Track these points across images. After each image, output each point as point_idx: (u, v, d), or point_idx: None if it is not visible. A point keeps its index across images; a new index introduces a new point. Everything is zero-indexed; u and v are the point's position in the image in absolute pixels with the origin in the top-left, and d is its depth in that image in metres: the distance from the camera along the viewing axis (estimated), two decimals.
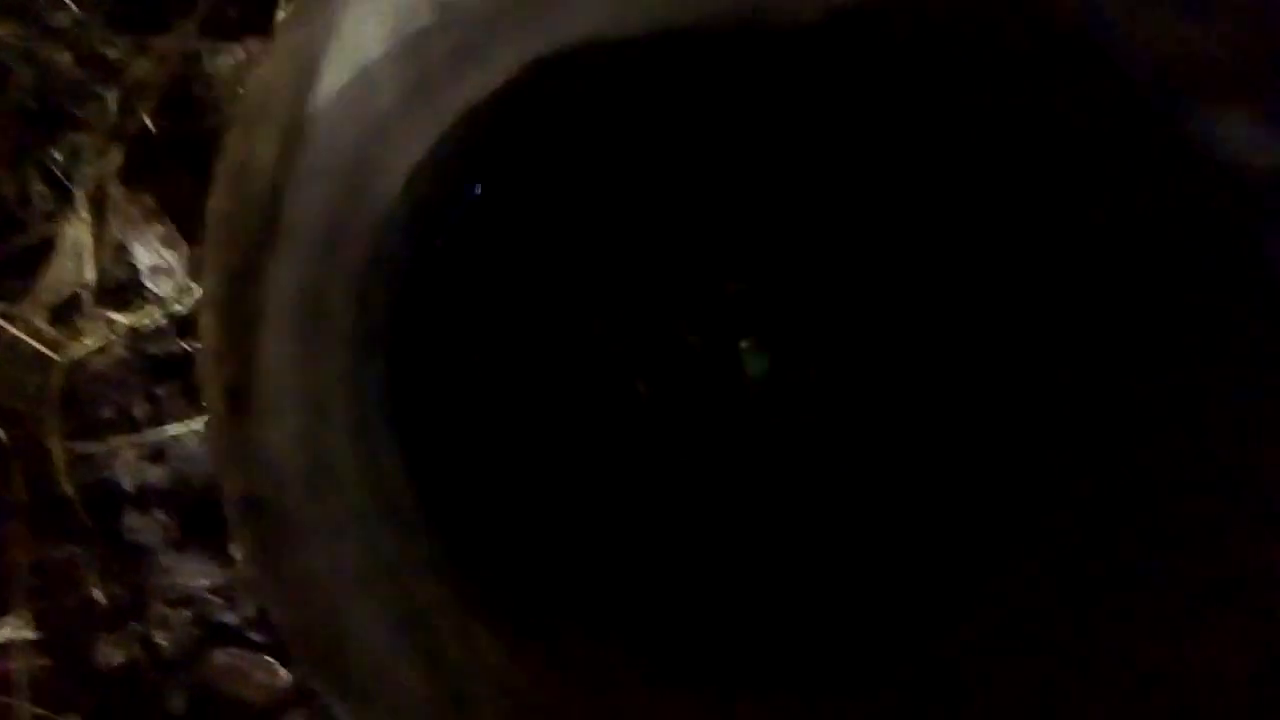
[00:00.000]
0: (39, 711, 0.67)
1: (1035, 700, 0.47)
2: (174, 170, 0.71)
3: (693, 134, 0.70)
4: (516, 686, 0.47)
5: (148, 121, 0.72)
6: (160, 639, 0.67)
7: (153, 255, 0.69)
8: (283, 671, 0.66)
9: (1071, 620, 0.49)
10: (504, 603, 0.56)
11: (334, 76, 0.42)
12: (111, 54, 0.74)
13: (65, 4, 0.75)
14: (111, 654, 0.67)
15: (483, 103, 0.56)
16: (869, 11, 0.53)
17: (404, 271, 0.60)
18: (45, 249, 0.71)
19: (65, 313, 0.71)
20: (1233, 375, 0.45)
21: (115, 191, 0.70)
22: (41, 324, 0.71)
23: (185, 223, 0.70)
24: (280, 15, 0.73)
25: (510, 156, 0.68)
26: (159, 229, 0.68)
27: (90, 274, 0.71)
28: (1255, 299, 0.44)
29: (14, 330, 0.71)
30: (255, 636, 0.67)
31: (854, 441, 0.68)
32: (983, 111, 0.56)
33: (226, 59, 0.73)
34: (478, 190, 0.67)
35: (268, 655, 0.67)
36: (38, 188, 0.74)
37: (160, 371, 0.71)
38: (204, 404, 0.40)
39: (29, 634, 0.66)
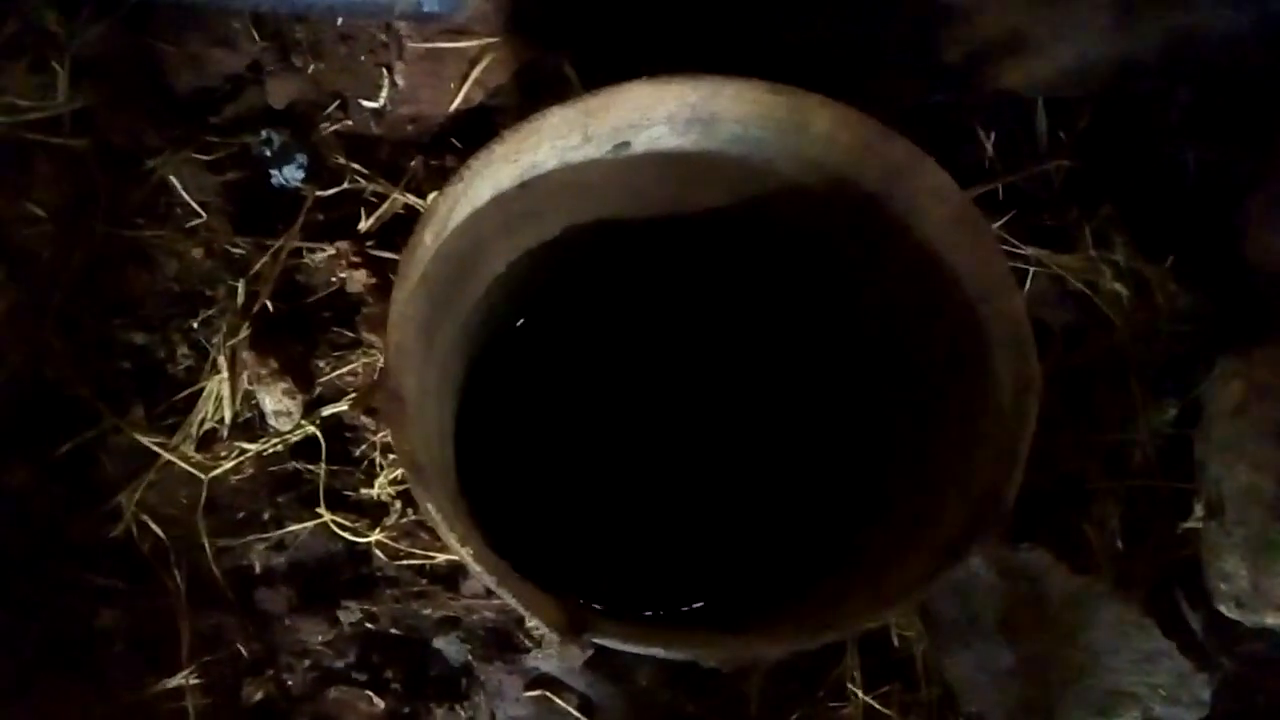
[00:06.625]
0: None
1: None
2: (288, 340, 0.98)
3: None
4: None
5: (268, 303, 0.98)
6: (288, 680, 0.92)
7: (275, 402, 0.95)
8: (379, 701, 0.92)
9: None
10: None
11: (462, 209, 0.76)
12: (236, 252, 1.01)
13: (198, 213, 1.02)
14: (253, 693, 0.91)
15: (537, 245, 0.90)
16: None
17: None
18: (193, 396, 0.97)
19: (208, 443, 0.97)
20: None
21: (246, 355, 0.96)
22: (190, 451, 0.96)
23: (298, 378, 0.96)
24: (362, 224, 1.01)
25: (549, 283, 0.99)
26: (282, 385, 0.95)
27: (227, 414, 0.96)
28: None
29: (170, 456, 0.96)
30: (357, 676, 0.92)
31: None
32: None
33: (321, 255, 1.00)
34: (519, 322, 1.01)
35: (367, 690, 0.92)
36: (182, 350, 0.99)
37: (280, 486, 0.96)
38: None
39: (194, 680, 0.90)
